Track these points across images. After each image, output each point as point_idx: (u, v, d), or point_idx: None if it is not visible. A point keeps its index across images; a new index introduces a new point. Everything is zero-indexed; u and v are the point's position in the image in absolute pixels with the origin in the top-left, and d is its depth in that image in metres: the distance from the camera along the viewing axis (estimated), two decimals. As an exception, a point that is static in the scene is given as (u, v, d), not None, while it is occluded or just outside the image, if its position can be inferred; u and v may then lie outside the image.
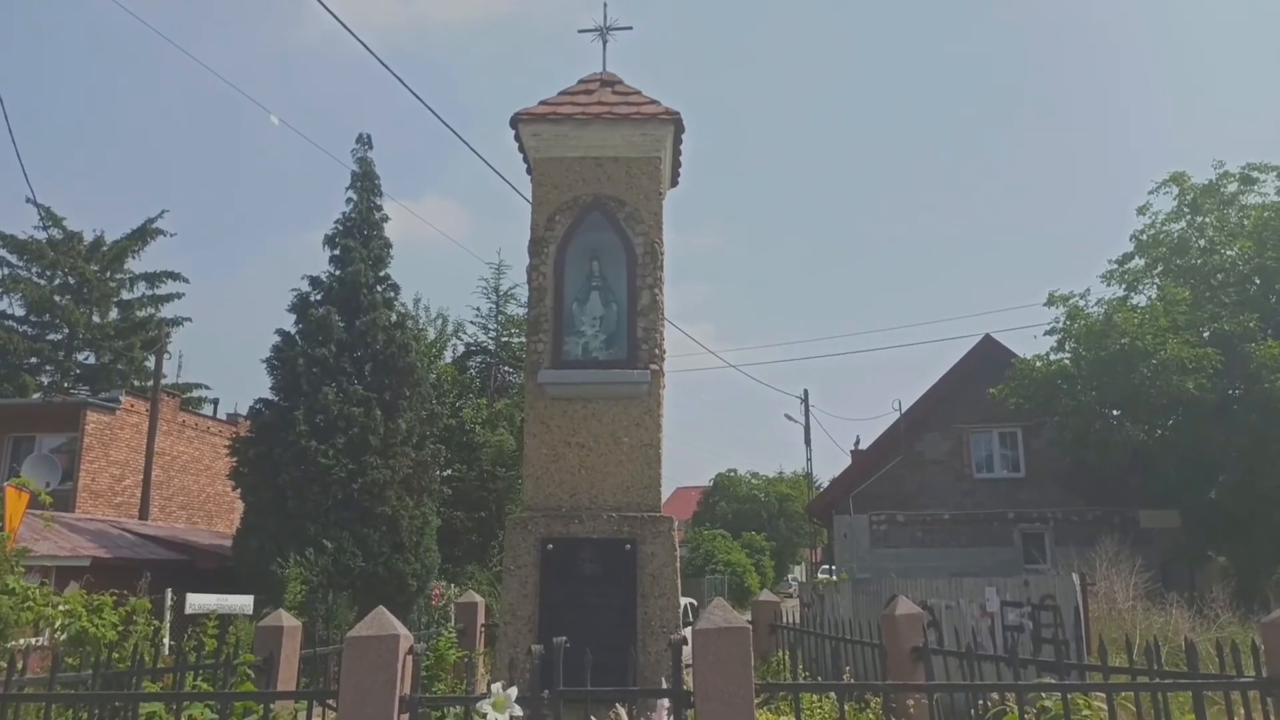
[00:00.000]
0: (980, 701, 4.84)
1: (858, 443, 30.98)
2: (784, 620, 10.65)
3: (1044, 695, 5.02)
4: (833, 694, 5.90)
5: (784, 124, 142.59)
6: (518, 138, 7.47)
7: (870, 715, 6.36)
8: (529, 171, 7.61)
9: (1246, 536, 19.67)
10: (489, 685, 4.30)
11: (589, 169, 7.30)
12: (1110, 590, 15.54)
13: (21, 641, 8.59)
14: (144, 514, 24.46)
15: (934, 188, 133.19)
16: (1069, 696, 4.43)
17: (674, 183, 8.25)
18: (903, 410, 26.62)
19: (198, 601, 12.67)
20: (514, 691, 4.22)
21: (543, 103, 7.46)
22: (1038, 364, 22.60)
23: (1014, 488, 25.42)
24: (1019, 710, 4.58)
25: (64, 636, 9.18)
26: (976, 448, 26.06)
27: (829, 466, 68.56)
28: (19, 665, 5.16)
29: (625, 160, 7.30)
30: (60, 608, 9.27)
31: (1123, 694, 4.79)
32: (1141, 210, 24.51)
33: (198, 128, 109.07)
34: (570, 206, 7.27)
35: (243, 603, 13.37)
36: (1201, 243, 23.29)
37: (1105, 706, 4.43)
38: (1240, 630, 12.45)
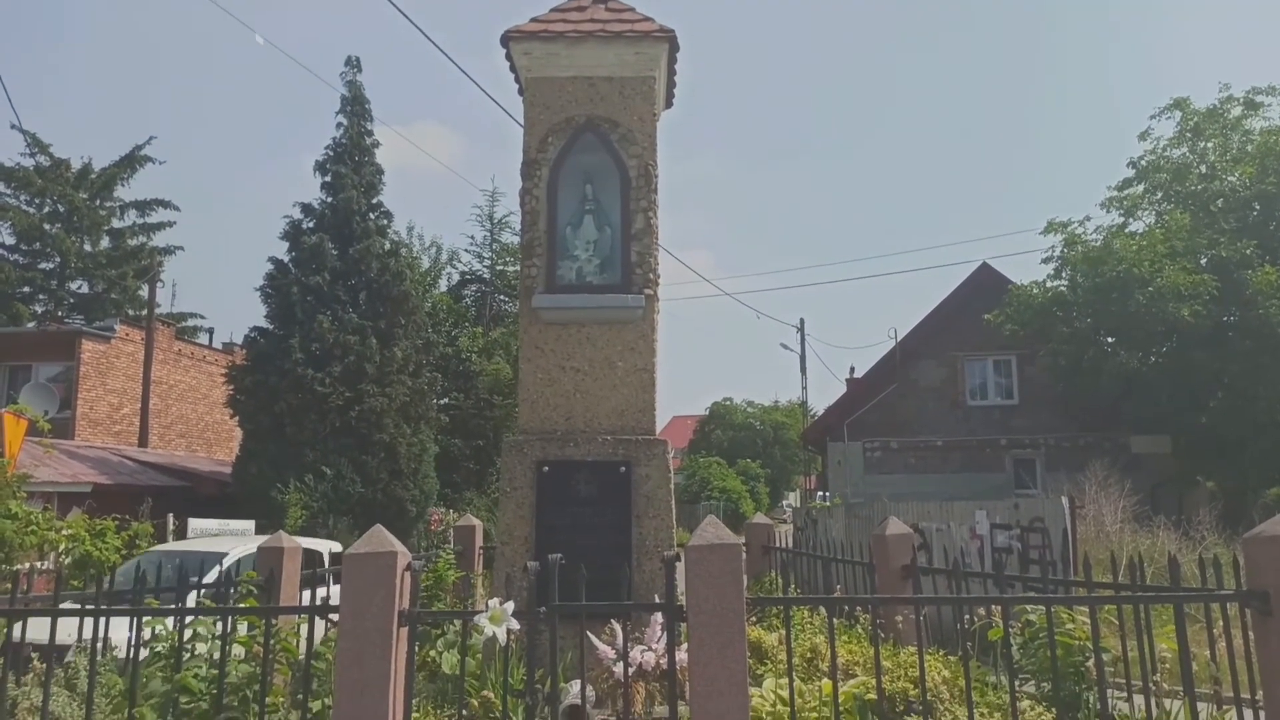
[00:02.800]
0: (966, 615, 4.95)
1: (853, 371, 31.19)
2: (777, 543, 10.82)
3: (1029, 609, 5.13)
4: (822, 609, 6.04)
5: (784, 49, 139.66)
6: (509, 57, 7.29)
7: (860, 631, 6.52)
8: (521, 92, 7.45)
9: (1235, 461, 19.92)
10: (486, 603, 4.39)
11: (582, 89, 7.16)
12: (1099, 514, 15.79)
13: (27, 565, 8.74)
14: (143, 441, 24.63)
15: (935, 115, 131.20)
16: (1053, 610, 4.53)
17: (669, 104, 8.09)
18: (898, 338, 26.68)
19: (200, 526, 12.90)
20: (510, 606, 4.31)
21: (534, 20, 7.26)
22: (1034, 290, 22.57)
23: (1007, 414, 25.62)
24: (1004, 624, 4.69)
25: (68, 560, 9.34)
26: (971, 375, 26.18)
27: (824, 395, 69.04)
28: (24, 587, 5.24)
29: (619, 80, 7.15)
30: (64, 532, 9.42)
31: (1106, 607, 4.90)
32: (1143, 136, 24.20)
33: (184, 51, 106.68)
34: (563, 128, 7.14)
35: (244, 527, 13.61)
36: (1202, 168, 23.04)
37: (1089, 620, 4.53)
38: (1225, 551, 12.67)
